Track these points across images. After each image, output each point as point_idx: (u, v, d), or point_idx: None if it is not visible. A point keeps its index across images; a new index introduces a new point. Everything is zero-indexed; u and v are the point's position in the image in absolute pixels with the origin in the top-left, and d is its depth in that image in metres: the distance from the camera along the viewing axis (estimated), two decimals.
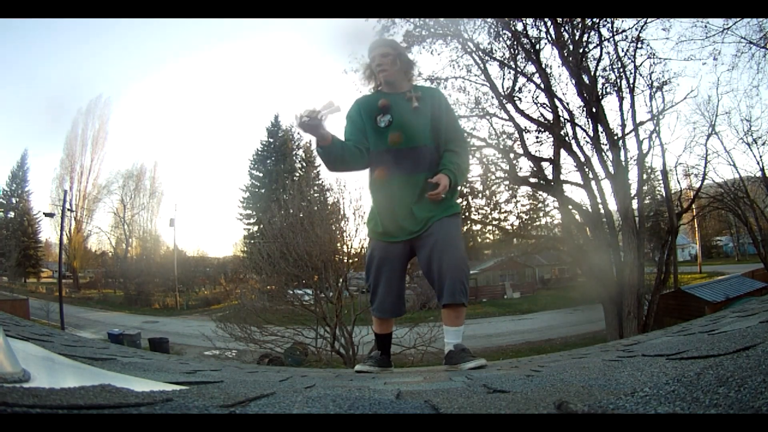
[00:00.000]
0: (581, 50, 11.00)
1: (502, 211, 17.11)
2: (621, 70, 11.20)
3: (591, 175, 11.33)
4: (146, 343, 13.70)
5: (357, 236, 10.50)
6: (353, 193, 10.66)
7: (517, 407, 0.72)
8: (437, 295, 1.99)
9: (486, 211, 16.18)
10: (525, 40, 11.33)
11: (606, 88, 11.36)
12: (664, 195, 13.30)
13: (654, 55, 11.07)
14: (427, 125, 2.03)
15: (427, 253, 1.98)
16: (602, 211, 11.21)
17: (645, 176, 12.20)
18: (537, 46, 11.30)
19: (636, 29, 10.82)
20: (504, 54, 11.69)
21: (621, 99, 11.33)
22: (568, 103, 11.61)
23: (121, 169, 34.44)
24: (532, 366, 1.63)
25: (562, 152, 11.51)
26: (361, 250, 10.83)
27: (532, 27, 11.29)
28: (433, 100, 2.08)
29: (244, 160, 54.31)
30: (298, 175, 31.54)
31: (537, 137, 12.05)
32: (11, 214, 32.87)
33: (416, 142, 2.01)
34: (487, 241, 22.36)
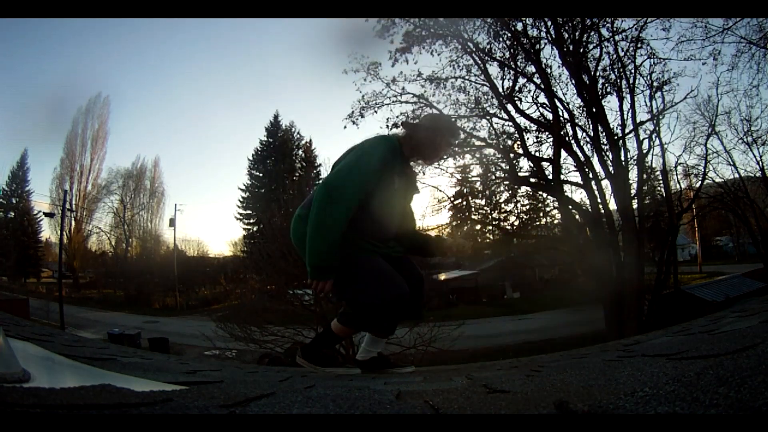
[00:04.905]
0: (581, 50, 11.00)
1: (502, 211, 17.16)
2: (621, 70, 11.21)
3: (591, 175, 11.33)
4: (146, 343, 13.70)
5: None
6: None
7: (517, 407, 0.72)
8: None
9: (486, 211, 16.22)
10: (525, 40, 11.33)
11: (606, 88, 11.37)
12: (664, 195, 13.30)
13: (654, 55, 11.08)
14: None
15: None
16: (602, 211, 11.21)
17: (645, 176, 12.19)
18: (537, 46, 11.31)
19: (636, 29, 10.83)
20: (504, 54, 11.70)
21: (621, 99, 11.36)
22: (568, 103, 11.62)
23: (121, 169, 34.28)
24: (532, 366, 1.62)
25: (562, 152, 11.52)
26: None
27: (532, 27, 11.30)
28: None
29: (243, 159, 54.22)
30: (298, 175, 31.53)
31: (537, 137, 12.06)
32: (11, 214, 32.83)
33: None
34: (487, 241, 22.34)
